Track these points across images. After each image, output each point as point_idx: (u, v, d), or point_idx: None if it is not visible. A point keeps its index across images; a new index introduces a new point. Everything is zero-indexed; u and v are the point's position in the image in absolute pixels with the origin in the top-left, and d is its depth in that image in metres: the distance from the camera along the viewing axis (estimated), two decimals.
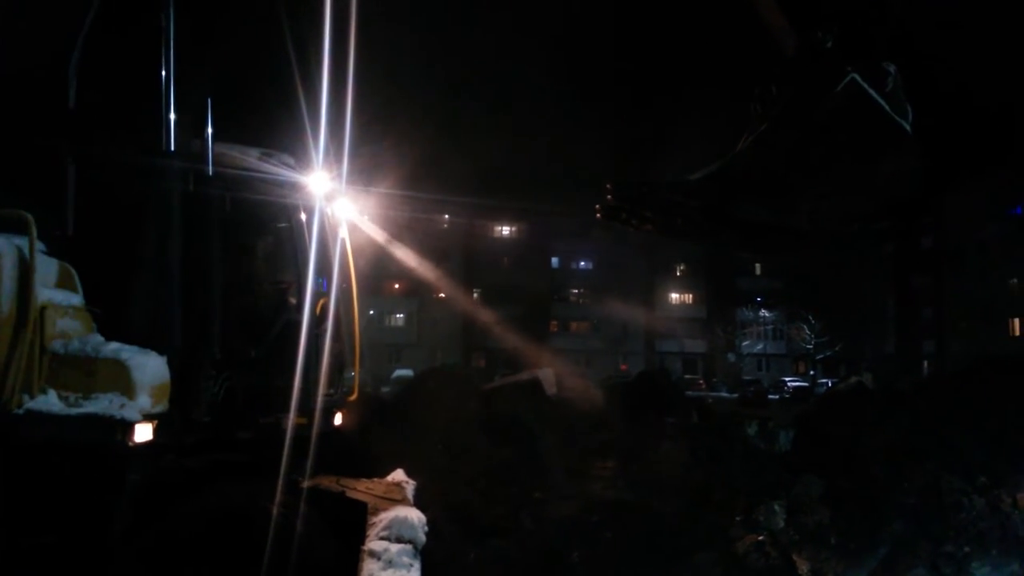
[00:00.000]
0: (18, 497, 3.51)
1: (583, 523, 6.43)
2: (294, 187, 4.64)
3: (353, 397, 5.24)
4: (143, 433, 3.62)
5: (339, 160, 4.71)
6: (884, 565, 5.60)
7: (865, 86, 2.79)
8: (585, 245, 49.51)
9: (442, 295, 48.19)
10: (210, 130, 4.12)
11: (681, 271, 53.08)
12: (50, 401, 3.65)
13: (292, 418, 4.22)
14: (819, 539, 5.83)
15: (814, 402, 15.17)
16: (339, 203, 4.92)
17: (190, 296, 4.09)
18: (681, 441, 8.87)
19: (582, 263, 51.96)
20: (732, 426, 10.80)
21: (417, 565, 3.97)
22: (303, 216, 4.67)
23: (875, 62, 2.87)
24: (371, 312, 42.94)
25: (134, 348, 3.77)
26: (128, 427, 3.56)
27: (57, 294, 3.93)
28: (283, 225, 4.69)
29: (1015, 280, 34.19)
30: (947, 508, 5.72)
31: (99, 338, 3.87)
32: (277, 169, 4.56)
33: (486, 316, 42.48)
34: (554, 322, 49.43)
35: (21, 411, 3.58)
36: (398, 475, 5.00)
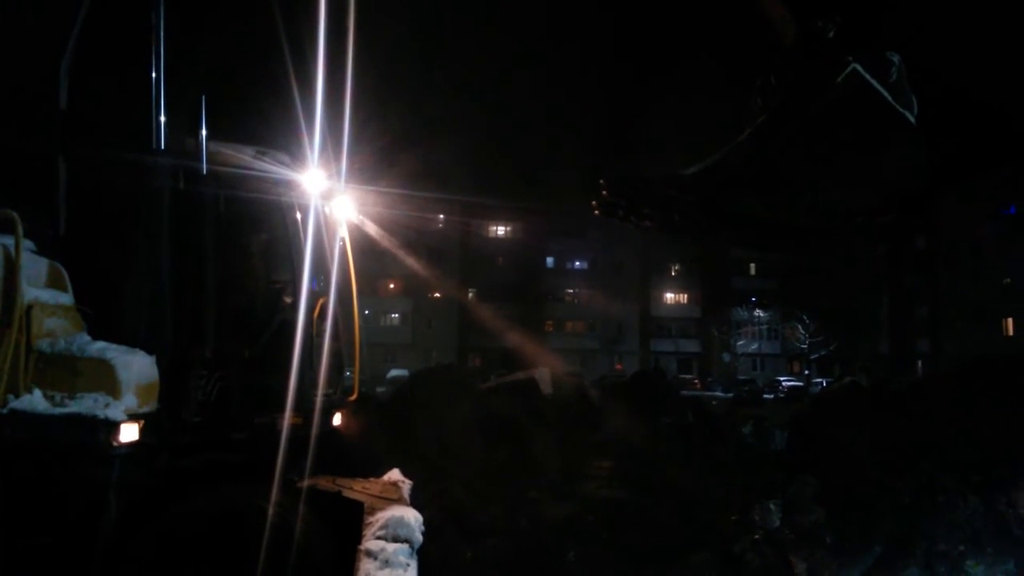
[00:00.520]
0: (7, 498, 3.48)
1: (579, 523, 6.43)
2: (289, 185, 4.61)
3: (353, 397, 5.22)
4: (129, 433, 3.59)
5: (337, 158, 4.69)
6: (879, 564, 5.62)
7: (867, 77, 2.73)
8: (580, 245, 49.59)
9: (437, 295, 48.18)
10: (204, 129, 4.10)
11: (676, 271, 53.23)
12: (35, 401, 3.61)
13: (288, 418, 4.19)
14: (814, 538, 5.84)
15: (809, 402, 15.21)
16: (337, 202, 4.89)
17: (182, 295, 4.07)
18: (676, 441, 8.86)
19: (577, 263, 52.04)
20: (727, 426, 10.82)
21: (414, 564, 3.95)
22: (298, 215, 4.64)
23: (878, 52, 2.80)
24: (366, 312, 42.85)
25: (121, 347, 3.74)
26: (113, 427, 3.53)
27: (45, 293, 3.89)
28: (278, 224, 4.67)
29: (1008, 280, 34.39)
30: (941, 507, 5.75)
31: (86, 337, 3.84)
32: (272, 167, 4.54)
33: (481, 316, 42.51)
34: (549, 322, 49.48)
35: (5, 411, 3.55)
36: (394, 475, 4.98)
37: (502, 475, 7.38)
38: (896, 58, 2.84)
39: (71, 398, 3.62)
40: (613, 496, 7.12)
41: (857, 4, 3.00)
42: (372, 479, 4.75)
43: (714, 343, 49.85)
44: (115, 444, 3.54)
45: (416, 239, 44.49)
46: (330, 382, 4.72)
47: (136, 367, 3.73)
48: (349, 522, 4.13)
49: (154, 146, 4.03)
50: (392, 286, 47.90)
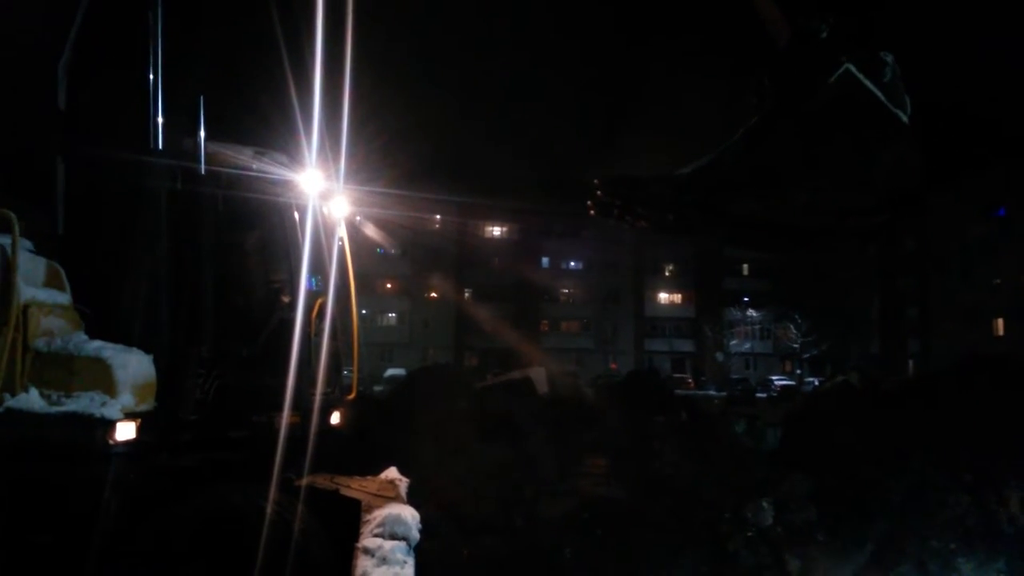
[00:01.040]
0: (4, 497, 3.48)
1: (574, 520, 6.46)
2: (287, 185, 4.62)
3: (351, 396, 5.23)
4: (125, 431, 3.60)
5: (335, 158, 4.71)
6: (872, 561, 5.66)
7: (860, 76, 2.75)
8: (575, 245, 49.64)
9: (434, 295, 48.15)
10: (202, 129, 4.11)
11: (670, 271, 53.40)
12: (32, 400, 3.62)
13: (286, 417, 4.21)
14: (807, 536, 5.88)
15: (801, 401, 15.26)
16: (335, 201, 4.91)
17: (179, 295, 4.07)
18: (670, 439, 8.90)
19: (572, 263, 52.10)
20: (721, 424, 10.87)
21: (411, 562, 3.97)
22: (296, 215, 4.65)
23: (871, 52, 2.82)
24: (363, 312, 42.75)
25: (117, 346, 3.75)
26: (108, 425, 3.54)
27: (43, 292, 3.90)
28: (276, 224, 4.68)
29: (999, 280, 34.61)
30: (933, 505, 5.79)
31: (82, 336, 3.85)
32: (270, 167, 4.55)
33: (478, 316, 42.52)
34: (545, 321, 49.56)
35: (2, 410, 3.56)
36: (391, 473, 5.00)
37: (498, 473, 7.40)
38: (890, 58, 2.85)
39: (68, 397, 3.63)
40: (608, 494, 7.16)
41: (850, 5, 3.02)
42: (369, 477, 4.77)
43: (707, 343, 50.00)
44: (112, 443, 3.56)
45: (413, 239, 44.52)
46: (328, 381, 4.74)
47: (133, 366, 3.74)
48: (347, 520, 4.14)
49: (152, 146, 4.04)
50: (389, 286, 47.85)
